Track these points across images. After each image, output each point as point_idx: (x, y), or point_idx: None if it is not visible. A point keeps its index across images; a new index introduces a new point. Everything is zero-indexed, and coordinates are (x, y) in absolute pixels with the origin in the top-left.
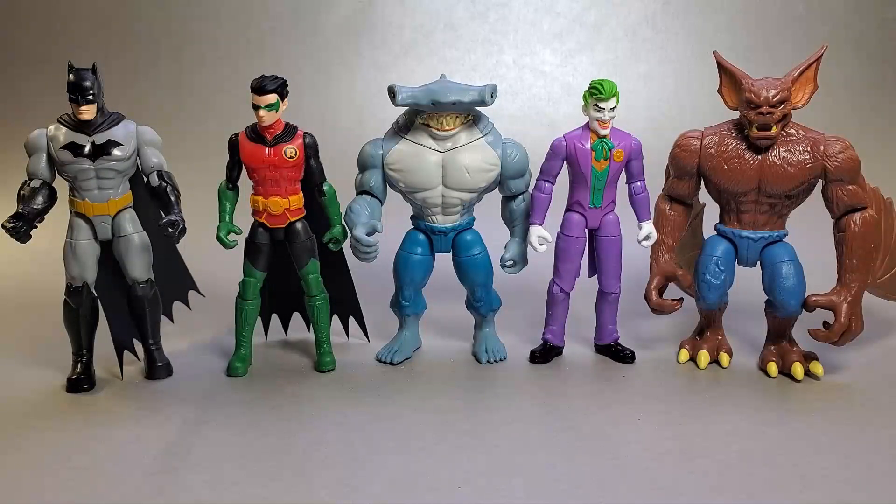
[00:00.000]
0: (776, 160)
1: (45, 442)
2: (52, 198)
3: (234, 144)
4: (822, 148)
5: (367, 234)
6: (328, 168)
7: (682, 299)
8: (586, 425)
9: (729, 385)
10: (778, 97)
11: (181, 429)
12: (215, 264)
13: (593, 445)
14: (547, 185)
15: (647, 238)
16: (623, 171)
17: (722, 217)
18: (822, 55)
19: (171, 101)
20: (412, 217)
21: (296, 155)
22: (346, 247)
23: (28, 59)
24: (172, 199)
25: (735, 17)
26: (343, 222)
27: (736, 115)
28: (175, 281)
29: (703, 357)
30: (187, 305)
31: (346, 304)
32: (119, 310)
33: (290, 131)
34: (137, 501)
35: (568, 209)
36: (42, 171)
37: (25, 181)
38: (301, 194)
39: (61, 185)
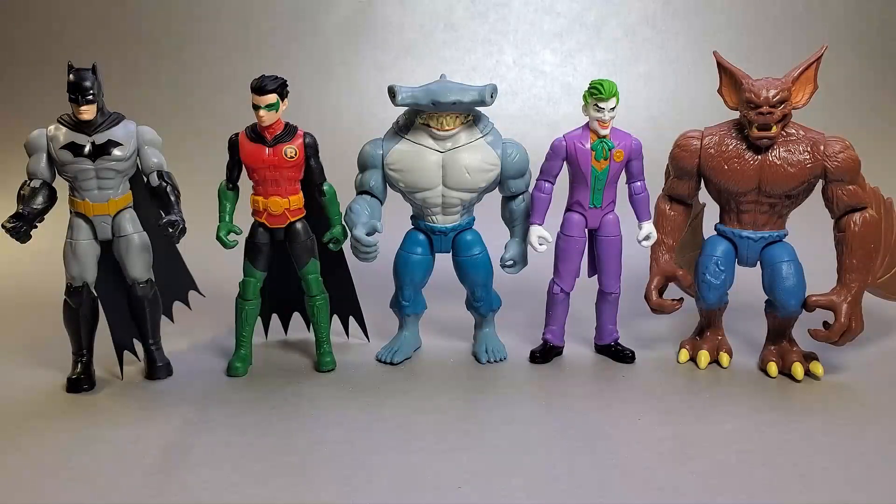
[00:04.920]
0: (776, 160)
1: (45, 442)
2: (52, 198)
3: (234, 144)
4: (822, 148)
5: (367, 234)
6: (328, 168)
7: (682, 299)
8: (586, 425)
9: (729, 385)
10: (778, 97)
11: (181, 429)
12: (215, 264)
13: (593, 445)
14: (547, 185)
15: (647, 238)
16: (623, 171)
17: (722, 217)
18: (822, 55)
19: (171, 101)
20: (412, 217)
21: (296, 155)
22: (346, 247)
23: (28, 59)
24: (172, 199)
25: (735, 17)
26: (343, 222)
27: (736, 115)
28: (175, 281)
29: (703, 357)
30: (187, 305)
31: (346, 304)
32: (119, 310)
33: (290, 131)
34: (137, 501)
35: (568, 209)
36: (42, 171)
37: (25, 181)
38: (301, 194)
39: (61, 185)
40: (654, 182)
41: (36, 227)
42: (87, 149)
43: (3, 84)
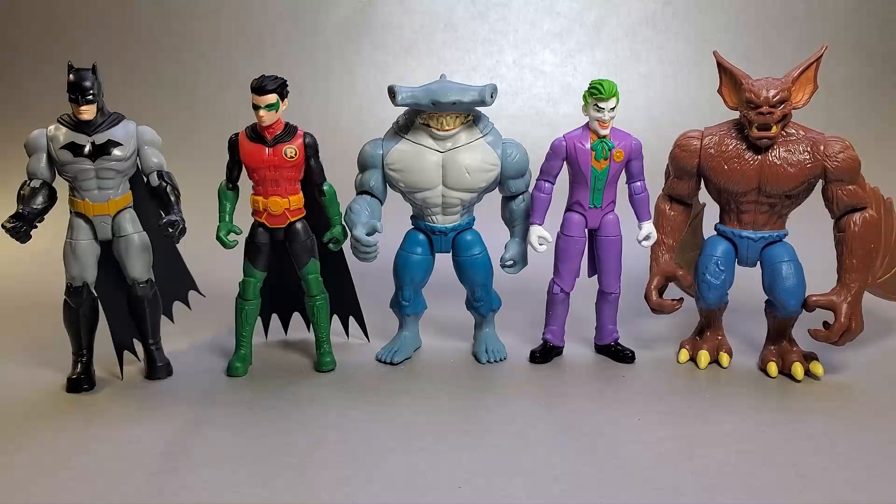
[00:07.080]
0: (776, 160)
1: (45, 442)
2: (52, 198)
3: (233, 144)
4: (822, 148)
5: (367, 234)
6: (328, 168)
7: (682, 299)
8: (586, 425)
9: (729, 385)
10: (778, 97)
11: (181, 429)
12: (215, 264)
13: (593, 445)
14: (547, 185)
15: (647, 238)
16: (623, 171)
17: (722, 217)
18: (822, 55)
19: (171, 101)
20: (412, 217)
21: (296, 155)
22: (346, 247)
23: (28, 59)
24: (172, 199)
25: (735, 17)
26: (343, 222)
27: (736, 114)
28: (175, 281)
29: (703, 357)
30: (187, 305)
31: (346, 304)
32: (119, 310)
33: (290, 131)
34: (137, 501)
35: (568, 209)
36: (42, 171)
37: (25, 181)
38: (301, 194)
39: (61, 185)
40: (654, 182)
41: (36, 227)
42: (87, 149)
43: (3, 84)
